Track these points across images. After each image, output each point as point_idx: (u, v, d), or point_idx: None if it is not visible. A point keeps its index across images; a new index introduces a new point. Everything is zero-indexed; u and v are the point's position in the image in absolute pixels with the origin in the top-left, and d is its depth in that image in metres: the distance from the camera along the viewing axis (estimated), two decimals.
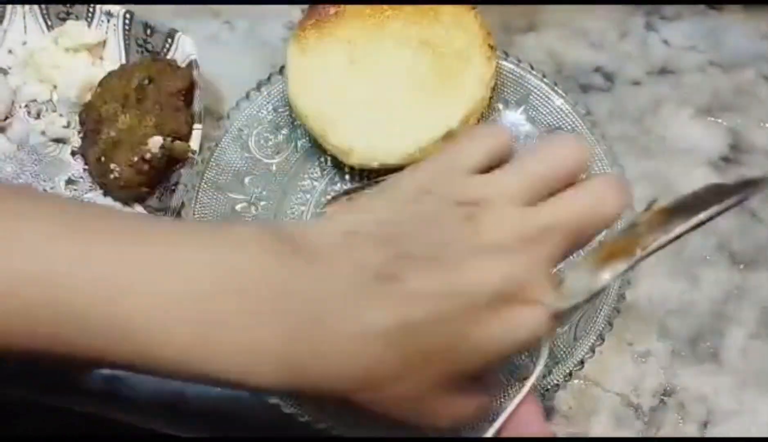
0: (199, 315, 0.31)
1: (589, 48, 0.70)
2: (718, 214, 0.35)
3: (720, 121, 0.66)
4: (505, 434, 0.37)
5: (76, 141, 0.64)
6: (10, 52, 0.66)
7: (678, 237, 0.34)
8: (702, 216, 0.34)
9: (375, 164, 0.58)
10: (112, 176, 0.58)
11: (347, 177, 0.62)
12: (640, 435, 0.54)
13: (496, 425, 0.37)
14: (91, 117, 0.61)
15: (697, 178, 0.63)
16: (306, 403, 0.47)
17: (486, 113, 0.62)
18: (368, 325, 0.31)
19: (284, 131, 0.63)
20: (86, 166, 0.62)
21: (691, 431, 0.54)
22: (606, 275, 0.34)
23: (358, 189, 0.57)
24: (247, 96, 0.62)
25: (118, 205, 0.61)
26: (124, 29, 0.65)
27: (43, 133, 0.64)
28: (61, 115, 0.65)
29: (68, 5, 0.65)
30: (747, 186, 0.35)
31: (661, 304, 0.58)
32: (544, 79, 0.62)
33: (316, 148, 0.62)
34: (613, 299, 0.55)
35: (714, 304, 0.58)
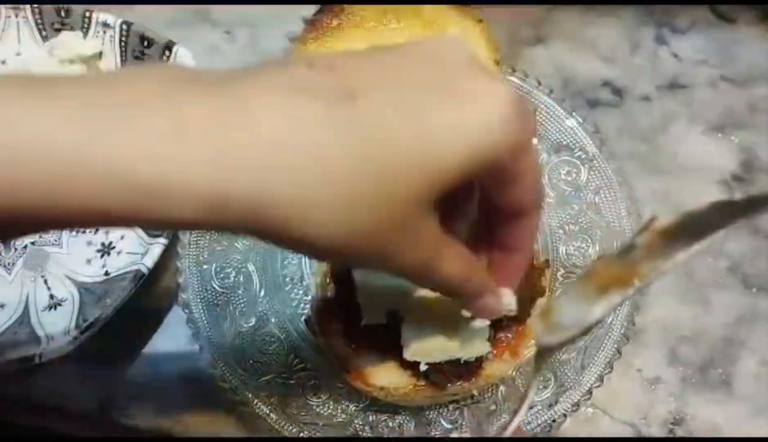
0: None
1: (598, 61, 0.68)
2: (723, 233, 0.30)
3: (732, 138, 0.64)
4: None
5: None
6: (3, 63, 0.65)
7: (681, 264, 0.31)
8: (707, 240, 0.30)
9: None
10: None
11: None
12: None
13: None
14: None
15: (709, 197, 0.61)
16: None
17: None
18: None
19: None
20: None
21: None
22: (599, 309, 0.30)
23: None
24: None
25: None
26: (121, 40, 0.63)
27: None
28: None
29: (63, 16, 0.63)
30: (756, 203, 0.31)
31: (672, 329, 0.57)
32: (551, 95, 0.61)
33: None
34: (622, 325, 0.53)
35: (726, 329, 0.57)
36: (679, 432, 0.53)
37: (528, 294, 0.50)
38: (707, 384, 0.55)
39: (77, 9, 0.63)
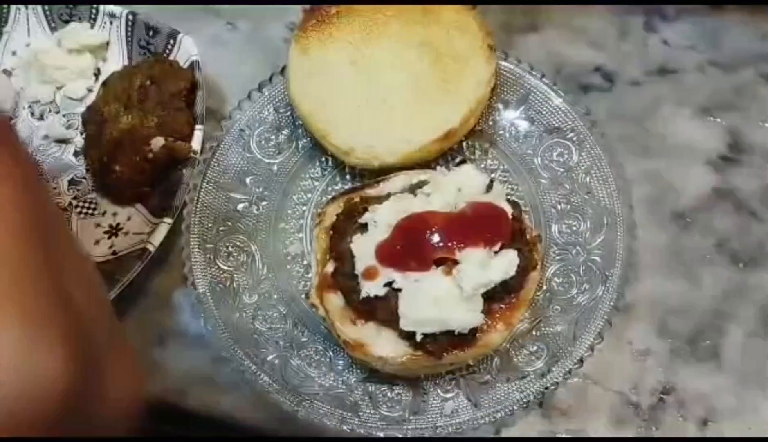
0: None
1: (589, 48, 0.70)
2: None
3: (719, 120, 0.66)
4: None
5: (78, 142, 0.64)
6: (14, 53, 0.67)
7: None
8: None
9: (375, 164, 0.58)
10: (114, 176, 0.59)
11: (348, 177, 0.63)
12: (639, 433, 0.54)
13: None
14: (93, 118, 0.62)
15: (696, 177, 0.63)
16: None
17: (486, 113, 0.63)
18: None
19: (285, 132, 0.63)
20: (89, 167, 0.62)
21: (691, 430, 0.54)
22: None
23: (359, 189, 0.57)
24: (249, 96, 0.63)
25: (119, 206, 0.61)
26: (127, 31, 0.65)
27: (46, 137, 0.64)
28: (64, 116, 0.65)
29: (71, 7, 0.65)
30: None
31: (661, 303, 0.58)
32: (544, 79, 0.63)
33: (317, 148, 0.62)
34: (613, 297, 0.55)
35: (714, 302, 0.58)
36: (669, 401, 0.55)
37: (521, 267, 0.52)
38: (696, 355, 0.57)
39: None
